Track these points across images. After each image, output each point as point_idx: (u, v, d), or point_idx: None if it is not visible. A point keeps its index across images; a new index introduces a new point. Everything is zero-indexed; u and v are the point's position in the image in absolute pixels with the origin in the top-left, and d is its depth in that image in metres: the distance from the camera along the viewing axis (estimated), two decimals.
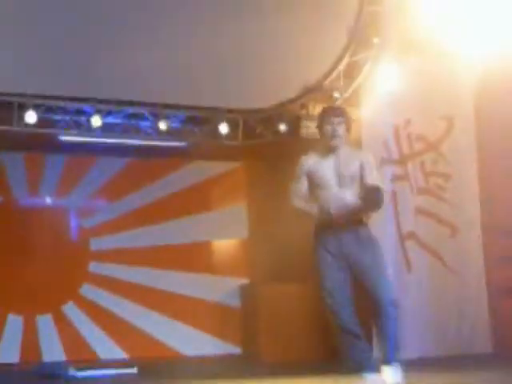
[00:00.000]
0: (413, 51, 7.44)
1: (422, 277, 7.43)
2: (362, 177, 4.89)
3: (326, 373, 6.17)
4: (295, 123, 8.26)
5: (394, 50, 7.52)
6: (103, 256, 8.80)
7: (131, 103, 7.94)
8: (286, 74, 7.78)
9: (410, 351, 6.95)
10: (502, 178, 7.34)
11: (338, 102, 8.04)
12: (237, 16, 7.15)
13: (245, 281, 9.12)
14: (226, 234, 9.32)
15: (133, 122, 8.09)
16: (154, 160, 8.92)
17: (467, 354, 7.12)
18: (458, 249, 7.60)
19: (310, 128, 8.07)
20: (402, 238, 7.47)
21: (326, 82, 8.09)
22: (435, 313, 7.35)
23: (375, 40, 7.76)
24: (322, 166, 4.90)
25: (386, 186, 7.03)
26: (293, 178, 5.01)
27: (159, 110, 8.02)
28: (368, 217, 5.05)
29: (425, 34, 7.28)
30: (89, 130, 7.84)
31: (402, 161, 7.62)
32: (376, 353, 4.99)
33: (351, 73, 8.01)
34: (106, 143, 8.15)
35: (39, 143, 8.16)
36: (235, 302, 8.99)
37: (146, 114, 8.05)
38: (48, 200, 8.88)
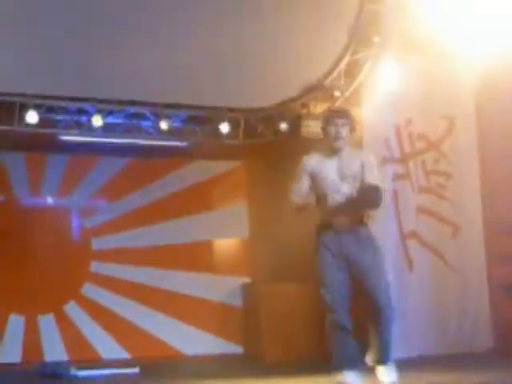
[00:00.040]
0: (413, 50, 7.44)
1: (423, 275, 7.43)
2: (363, 176, 4.94)
3: (327, 372, 6.16)
4: (296, 122, 8.25)
5: (394, 49, 7.51)
6: (105, 256, 8.82)
7: (132, 103, 7.93)
8: (287, 73, 7.78)
9: (411, 349, 6.99)
10: (503, 177, 7.34)
11: (339, 101, 8.05)
12: (237, 16, 7.14)
13: (246, 280, 9.13)
14: (227, 234, 9.33)
15: (134, 121, 8.09)
16: (156, 160, 8.92)
17: (468, 353, 7.13)
18: (459, 247, 7.60)
19: (310, 127, 8.07)
20: (404, 237, 7.46)
21: (327, 81, 8.08)
22: (436, 311, 7.36)
23: (376, 39, 7.74)
24: (326, 167, 4.94)
25: (386, 185, 7.07)
26: (293, 177, 5.03)
27: (160, 109, 8.02)
28: (368, 217, 5.07)
29: (425, 33, 7.26)
30: (90, 129, 7.84)
31: (403, 160, 7.62)
32: (369, 353, 5.06)
33: (352, 72, 8.00)
34: (107, 143, 8.15)
35: (40, 143, 8.16)
36: (236, 302, 9.01)
37: (147, 114, 8.05)
38: (49, 200, 8.89)
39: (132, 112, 8.03)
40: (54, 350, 8.34)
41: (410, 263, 7.44)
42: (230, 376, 6.67)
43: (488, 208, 7.57)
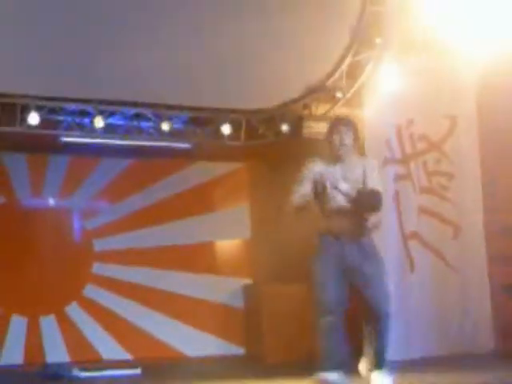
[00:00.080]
0: (415, 51, 7.44)
1: (424, 276, 7.41)
2: (364, 181, 5.01)
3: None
4: (298, 123, 8.25)
5: (396, 50, 7.52)
6: (106, 257, 8.82)
7: (134, 104, 7.95)
8: (288, 74, 7.78)
9: (412, 351, 6.99)
10: (504, 177, 7.33)
11: (341, 102, 8.05)
12: (238, 16, 7.15)
13: (248, 281, 9.13)
14: (228, 235, 9.34)
15: (135, 123, 8.10)
16: (157, 161, 8.92)
17: (470, 354, 7.12)
18: (460, 248, 7.59)
19: (312, 128, 8.07)
20: (405, 238, 7.45)
21: (329, 82, 8.09)
22: (438, 312, 7.34)
23: (377, 40, 7.75)
24: (329, 172, 4.96)
25: (388, 187, 7.08)
26: (296, 181, 5.05)
27: (162, 110, 8.03)
28: (372, 226, 5.10)
29: (427, 34, 7.28)
30: (91, 131, 7.85)
31: (404, 160, 7.61)
32: (362, 361, 5.09)
33: (354, 73, 8.01)
34: (108, 144, 8.15)
35: (42, 144, 8.17)
36: (238, 303, 9.00)
37: (149, 115, 8.06)
38: (51, 201, 8.89)
39: (134, 113, 8.04)
40: (56, 352, 8.34)
41: (412, 264, 7.43)
42: (232, 377, 6.66)
43: (489, 208, 7.57)
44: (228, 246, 9.42)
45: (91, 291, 8.71)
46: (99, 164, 8.91)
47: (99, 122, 7.73)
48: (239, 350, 8.88)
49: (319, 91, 8.15)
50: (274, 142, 8.39)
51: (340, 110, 8.01)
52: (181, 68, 7.35)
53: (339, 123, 5.10)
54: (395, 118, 7.58)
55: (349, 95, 8.05)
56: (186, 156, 8.79)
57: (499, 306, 7.41)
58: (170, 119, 8.05)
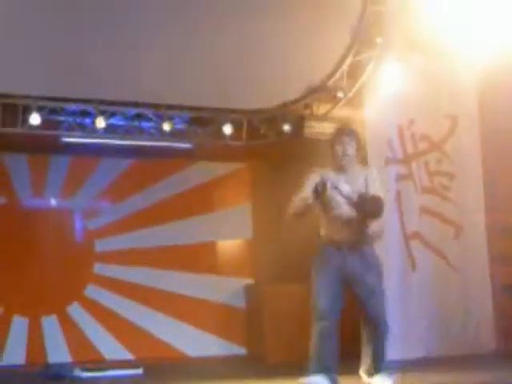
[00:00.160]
0: (416, 51, 7.45)
1: (426, 276, 7.43)
2: (366, 189, 5.03)
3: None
4: (299, 123, 8.24)
5: (397, 50, 7.53)
6: (108, 257, 8.81)
7: (135, 104, 7.93)
8: (290, 74, 7.78)
9: (414, 350, 7.00)
10: (506, 177, 7.34)
11: (342, 102, 8.05)
12: (239, 16, 7.15)
13: (249, 281, 9.12)
14: (230, 235, 9.33)
15: (137, 123, 8.08)
16: (159, 161, 8.92)
17: (471, 354, 7.12)
18: (461, 248, 7.60)
19: (314, 128, 8.06)
20: (407, 238, 7.47)
21: (330, 82, 8.07)
22: (439, 312, 7.36)
23: (378, 40, 7.75)
24: (331, 181, 4.96)
25: (390, 187, 7.09)
26: (297, 189, 5.05)
27: (163, 111, 8.02)
28: (374, 237, 5.11)
29: (428, 34, 7.28)
30: (93, 131, 7.83)
31: (406, 160, 7.62)
32: (361, 366, 5.11)
33: (355, 73, 8.00)
34: (109, 144, 8.14)
35: (43, 145, 8.16)
36: (240, 303, 8.99)
37: (150, 115, 8.05)
38: (52, 202, 8.88)
39: (135, 113, 8.03)
40: (58, 352, 8.33)
41: (413, 264, 7.44)
42: (233, 377, 6.66)
43: (491, 208, 7.57)
44: (229, 246, 9.41)
45: (93, 291, 8.70)
46: (100, 164, 8.91)
47: (101, 123, 7.71)
48: (241, 350, 8.87)
49: (320, 91, 8.14)
50: (275, 142, 8.38)
51: (341, 110, 8.02)
52: (181, 68, 7.35)
53: (342, 133, 5.11)
54: (396, 117, 7.59)
55: (350, 95, 8.04)
56: (188, 156, 8.79)
57: (501, 305, 7.41)
58: (171, 119, 8.04)
